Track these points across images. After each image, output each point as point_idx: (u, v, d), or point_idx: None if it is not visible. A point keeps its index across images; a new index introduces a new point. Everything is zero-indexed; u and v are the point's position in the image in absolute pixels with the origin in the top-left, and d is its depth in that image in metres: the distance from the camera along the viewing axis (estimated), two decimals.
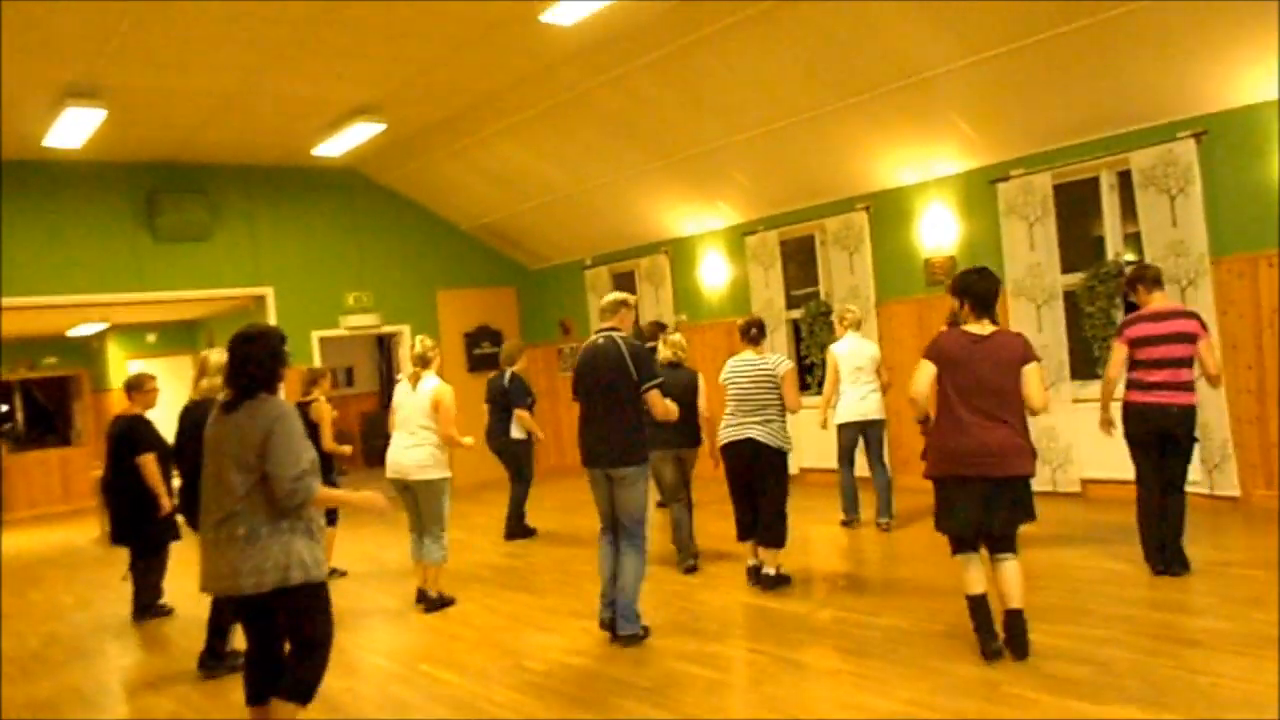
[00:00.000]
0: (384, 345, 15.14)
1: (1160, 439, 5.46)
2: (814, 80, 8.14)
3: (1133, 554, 5.95)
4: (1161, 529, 5.52)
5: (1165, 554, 5.52)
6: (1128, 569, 5.71)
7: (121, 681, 5.60)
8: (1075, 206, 8.25)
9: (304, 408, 7.25)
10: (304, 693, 3.81)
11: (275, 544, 3.67)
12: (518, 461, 8.79)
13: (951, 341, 4.51)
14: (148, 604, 6.99)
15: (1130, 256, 7.70)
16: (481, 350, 13.16)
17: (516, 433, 8.70)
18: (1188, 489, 5.62)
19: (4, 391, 17.37)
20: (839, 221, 9.54)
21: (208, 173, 11.33)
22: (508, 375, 8.76)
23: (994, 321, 4.53)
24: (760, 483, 6.05)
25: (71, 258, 10.54)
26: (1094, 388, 7.82)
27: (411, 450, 6.29)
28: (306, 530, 3.77)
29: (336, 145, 10.68)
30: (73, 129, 9.05)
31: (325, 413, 7.44)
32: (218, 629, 5.41)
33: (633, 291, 12.23)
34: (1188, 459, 5.54)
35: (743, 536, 6.28)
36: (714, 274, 11.06)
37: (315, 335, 12.01)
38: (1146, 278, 5.61)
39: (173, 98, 8.90)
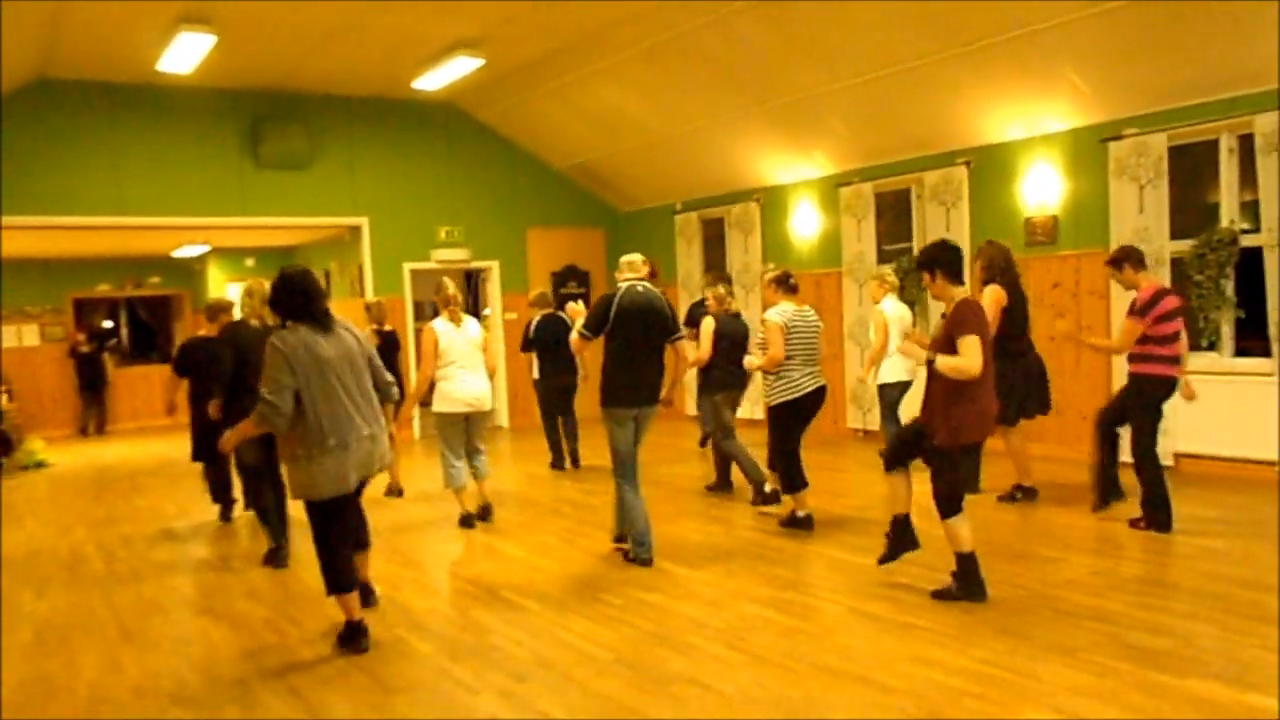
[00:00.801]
0: (472, 280, 15.35)
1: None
2: (922, 28, 7.92)
3: (1224, 530, 5.84)
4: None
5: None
6: (1219, 545, 5.58)
7: (219, 586, 5.90)
8: (1190, 170, 7.92)
9: (392, 334, 8.01)
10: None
11: (384, 439, 4.61)
12: (572, 399, 9.29)
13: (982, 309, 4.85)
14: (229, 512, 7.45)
15: (1246, 225, 7.38)
16: (567, 290, 13.25)
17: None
18: None
19: (111, 308, 18.15)
20: (938, 175, 9.33)
21: (309, 102, 11.56)
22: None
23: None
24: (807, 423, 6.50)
25: (179, 181, 10.91)
26: (1198, 359, 7.58)
27: (480, 382, 6.91)
28: None
29: (436, 79, 10.78)
30: (184, 54, 9.31)
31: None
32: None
33: (722, 238, 12.19)
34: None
35: (796, 488, 6.46)
36: (805, 224, 10.94)
37: (406, 267, 12.27)
38: (1133, 257, 5.98)
39: (280, 27, 9.08)
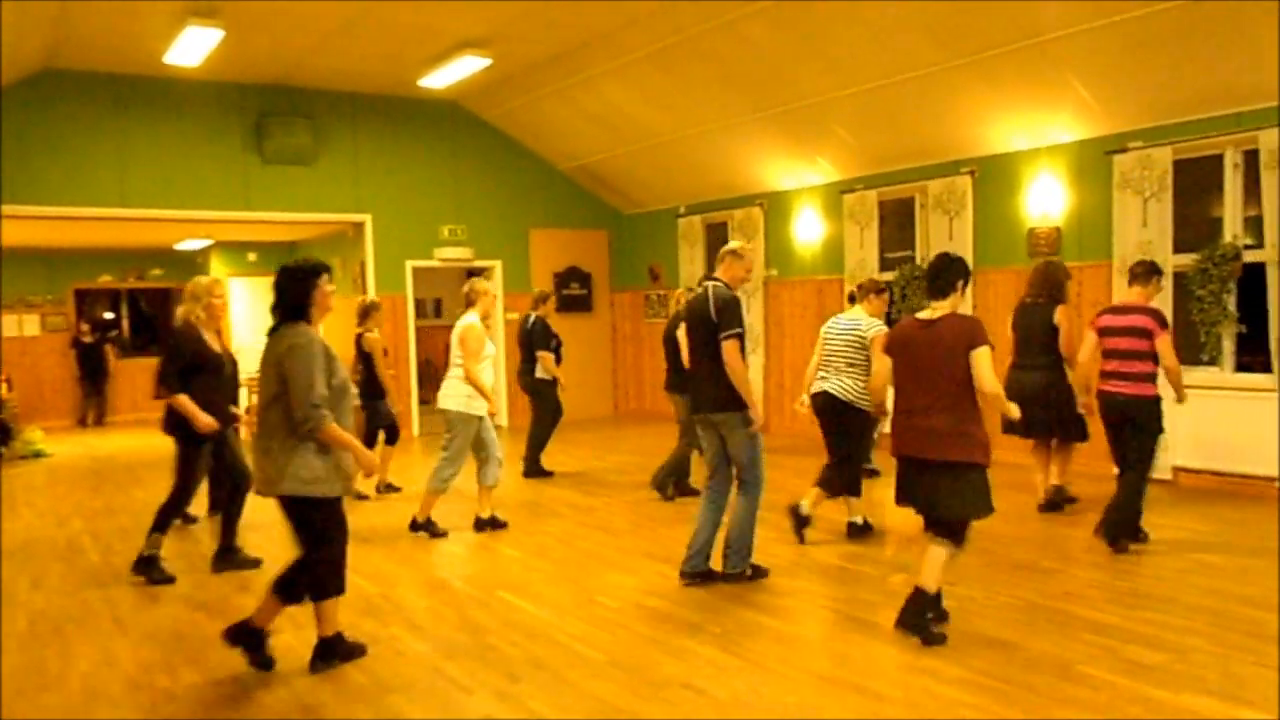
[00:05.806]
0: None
1: (1119, 423, 5.85)
2: (930, 37, 7.92)
3: (1224, 545, 5.84)
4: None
5: (1106, 526, 5.83)
6: (1217, 560, 5.58)
7: (214, 581, 5.90)
8: (1194, 184, 7.92)
9: (358, 339, 7.90)
10: (289, 591, 4.24)
11: (282, 457, 4.07)
12: (542, 402, 9.02)
13: (899, 329, 4.61)
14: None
15: (1249, 241, 7.38)
16: (570, 291, 13.29)
17: (540, 373, 8.95)
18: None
19: (112, 300, 18.13)
20: (941, 184, 9.33)
21: (315, 98, 11.56)
22: (532, 319, 9.01)
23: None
24: (833, 432, 6.37)
25: (183, 174, 10.91)
26: (1198, 374, 7.57)
27: (447, 382, 6.69)
28: (317, 449, 4.10)
29: (442, 78, 10.79)
30: (191, 48, 9.29)
31: (376, 344, 7.93)
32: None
33: (725, 243, 12.13)
34: (1143, 444, 5.77)
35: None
36: (808, 230, 10.94)
37: (409, 265, 12.27)
38: (1130, 271, 6.10)
39: (288, 22, 9.08)
